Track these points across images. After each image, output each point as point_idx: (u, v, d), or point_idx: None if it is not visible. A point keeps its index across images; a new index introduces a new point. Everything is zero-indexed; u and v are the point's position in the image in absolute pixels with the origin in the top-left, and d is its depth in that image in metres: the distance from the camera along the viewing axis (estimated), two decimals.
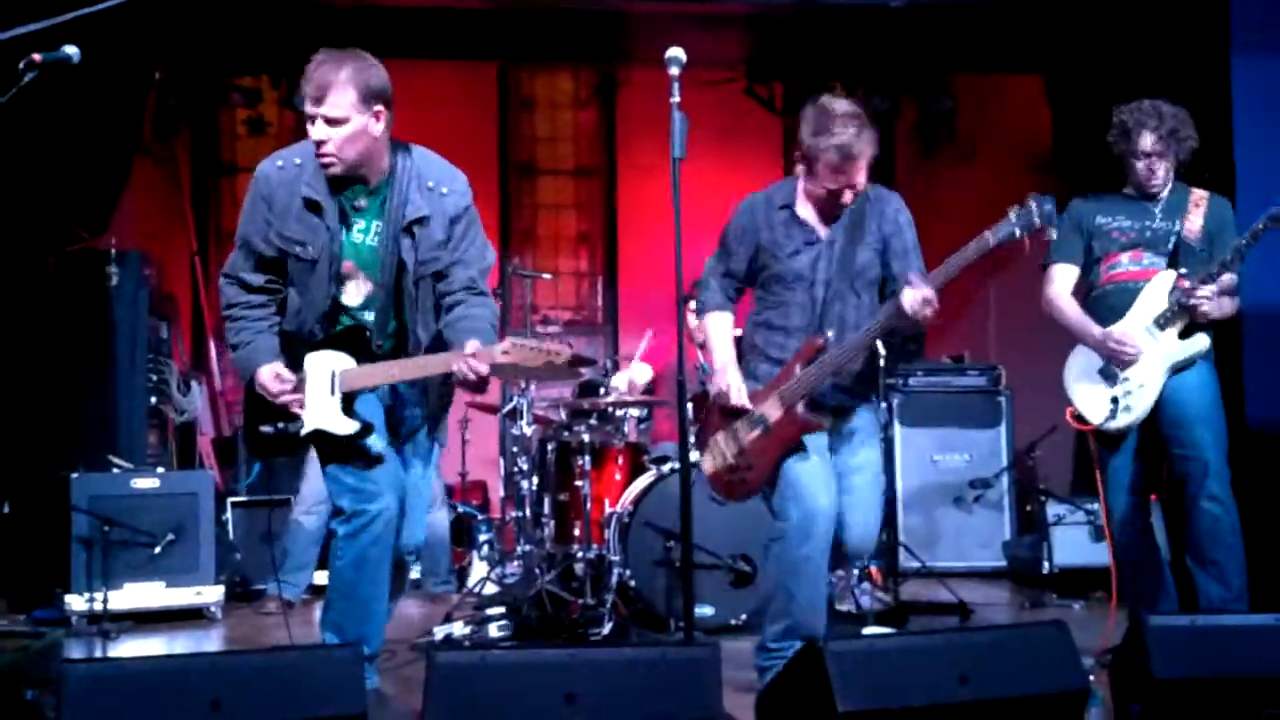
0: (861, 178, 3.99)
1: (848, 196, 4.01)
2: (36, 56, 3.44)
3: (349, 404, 3.76)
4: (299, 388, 3.75)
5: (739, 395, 4.08)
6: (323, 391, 3.74)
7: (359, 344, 3.77)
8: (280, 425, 3.79)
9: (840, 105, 3.95)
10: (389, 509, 3.77)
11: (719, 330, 4.23)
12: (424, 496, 4.06)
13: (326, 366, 3.75)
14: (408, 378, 3.81)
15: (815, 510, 3.96)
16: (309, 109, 3.61)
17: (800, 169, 4.06)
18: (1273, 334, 5.59)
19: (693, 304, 6.17)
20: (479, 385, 3.63)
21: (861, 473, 4.13)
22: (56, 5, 3.84)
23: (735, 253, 4.19)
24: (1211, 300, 4.33)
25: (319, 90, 3.57)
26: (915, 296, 3.78)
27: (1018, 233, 3.85)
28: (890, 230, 4.13)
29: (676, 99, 3.69)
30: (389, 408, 3.91)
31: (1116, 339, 4.40)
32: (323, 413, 3.74)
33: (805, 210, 4.11)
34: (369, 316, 3.81)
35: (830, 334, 4.06)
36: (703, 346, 6.19)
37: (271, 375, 3.74)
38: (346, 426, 3.74)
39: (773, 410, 4.04)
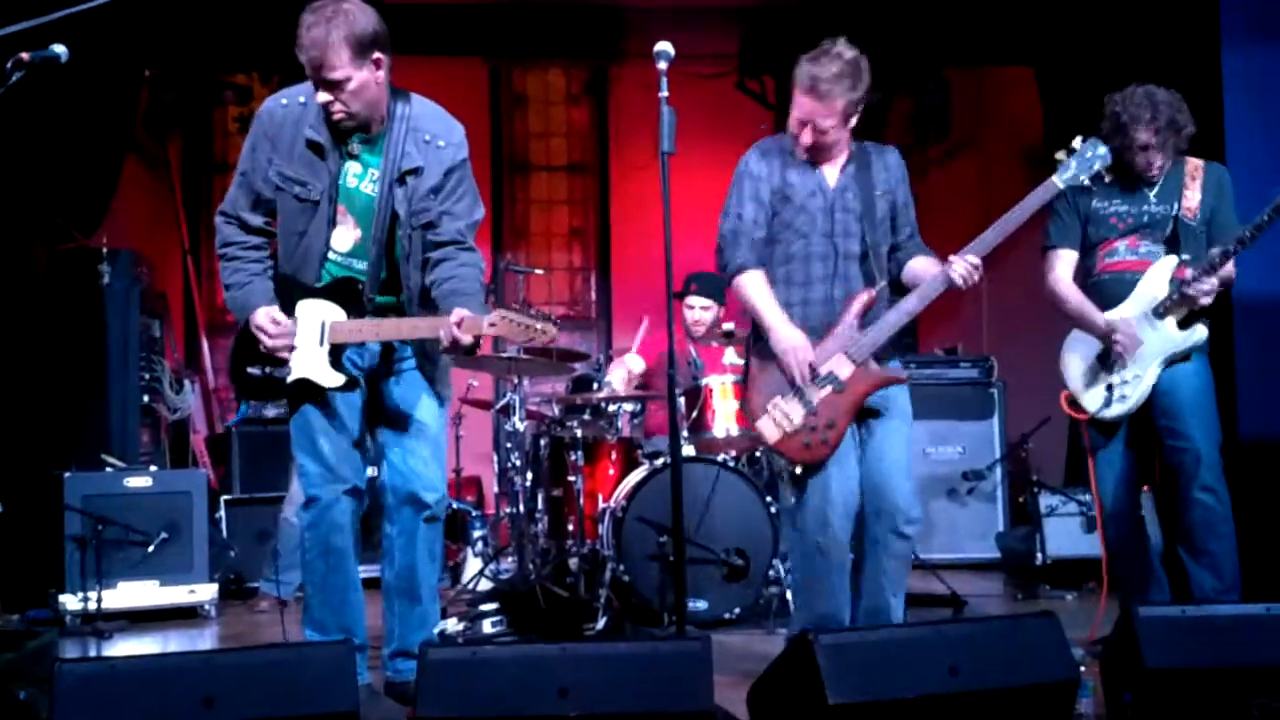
0: (827, 123, 3.92)
1: (806, 136, 3.95)
2: (24, 56, 3.44)
3: (336, 357, 3.76)
4: (291, 334, 3.74)
5: (809, 351, 3.93)
6: (312, 341, 3.73)
7: (351, 296, 3.76)
8: (267, 369, 3.78)
9: (839, 47, 3.92)
10: (343, 500, 3.80)
11: (760, 289, 4.04)
12: (428, 444, 3.92)
13: (318, 316, 3.74)
14: (394, 338, 3.81)
15: (834, 496, 3.94)
16: (309, 75, 3.63)
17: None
18: (1266, 341, 5.60)
19: (692, 295, 6.19)
20: (467, 352, 3.63)
21: (900, 431, 4.06)
22: (45, 4, 3.83)
23: (758, 200, 4.05)
24: (1212, 293, 4.31)
25: (315, 60, 3.58)
26: (965, 267, 3.85)
27: (1083, 177, 3.96)
28: (896, 180, 4.14)
29: (665, 94, 3.70)
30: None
31: (1122, 331, 4.37)
32: (310, 362, 3.74)
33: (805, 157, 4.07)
34: (358, 265, 3.79)
35: (883, 284, 4.03)
36: (692, 334, 6.21)
37: (268, 319, 3.71)
38: (332, 379, 3.74)
39: (842, 367, 3.95)
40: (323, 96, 3.63)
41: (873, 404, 4.04)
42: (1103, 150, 3.99)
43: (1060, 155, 4.02)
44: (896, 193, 4.14)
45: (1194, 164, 4.49)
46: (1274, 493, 5.33)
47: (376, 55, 3.64)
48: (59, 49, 3.52)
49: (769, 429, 4.00)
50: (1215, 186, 4.46)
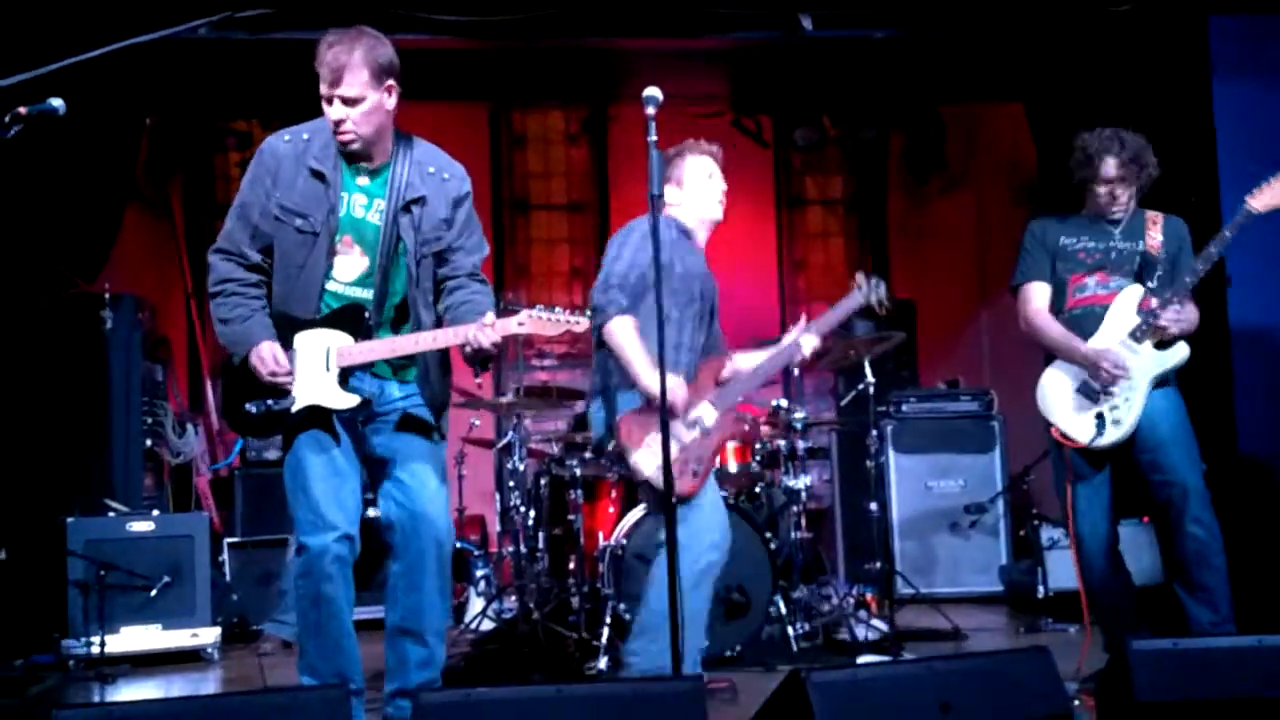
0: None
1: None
2: (22, 110, 3.49)
3: (345, 381, 3.76)
4: (289, 370, 3.74)
5: (683, 391, 4.22)
6: (317, 368, 3.74)
7: (356, 322, 3.77)
8: (268, 403, 3.76)
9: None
10: (332, 548, 3.75)
11: (629, 334, 4.27)
12: (434, 483, 3.90)
13: (321, 343, 3.75)
14: (414, 350, 3.79)
15: (708, 526, 4.25)
16: (325, 90, 3.70)
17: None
18: (1262, 362, 5.63)
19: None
20: (487, 360, 3.70)
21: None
22: (50, 53, 3.89)
23: (634, 262, 4.34)
24: (1179, 322, 4.40)
25: (334, 73, 3.66)
26: (811, 345, 4.53)
27: (872, 299, 4.66)
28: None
29: (654, 138, 3.73)
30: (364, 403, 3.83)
31: (1111, 360, 4.41)
32: (318, 388, 3.73)
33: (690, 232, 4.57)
34: (363, 294, 3.82)
35: (733, 355, 4.57)
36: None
37: (270, 354, 3.71)
38: (345, 401, 3.74)
39: (708, 414, 4.28)
40: (335, 113, 3.70)
41: None
42: (882, 291, 4.69)
43: (859, 280, 4.69)
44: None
45: (1153, 214, 4.63)
46: (1270, 510, 5.34)
47: (390, 83, 3.75)
48: (56, 102, 3.56)
49: (647, 462, 4.22)
50: (1175, 238, 4.58)
